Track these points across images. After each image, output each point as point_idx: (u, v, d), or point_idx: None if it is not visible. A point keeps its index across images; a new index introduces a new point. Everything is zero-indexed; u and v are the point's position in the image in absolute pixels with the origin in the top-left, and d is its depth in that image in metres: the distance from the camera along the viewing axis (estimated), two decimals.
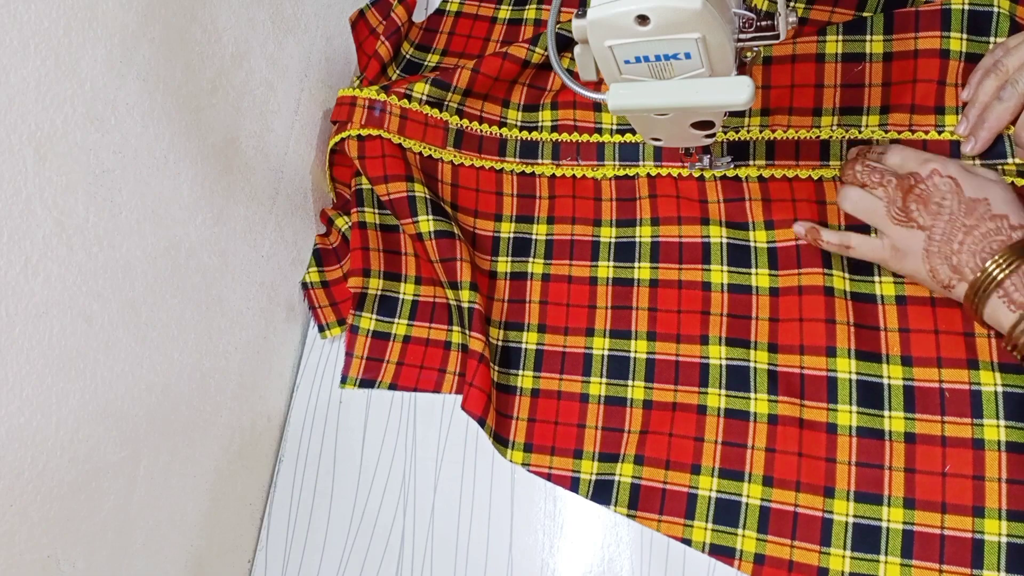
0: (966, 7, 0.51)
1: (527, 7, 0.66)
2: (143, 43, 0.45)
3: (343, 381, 0.61)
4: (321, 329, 0.63)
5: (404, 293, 0.62)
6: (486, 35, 0.67)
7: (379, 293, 0.62)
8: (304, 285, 0.64)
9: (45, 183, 0.39)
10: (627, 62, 0.37)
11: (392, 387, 0.60)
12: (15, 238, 0.37)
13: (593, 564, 0.52)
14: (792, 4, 0.57)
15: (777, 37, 0.38)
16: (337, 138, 0.62)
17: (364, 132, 0.60)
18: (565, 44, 0.61)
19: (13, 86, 0.37)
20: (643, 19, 0.34)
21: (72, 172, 0.40)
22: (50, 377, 0.40)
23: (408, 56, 0.68)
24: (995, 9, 0.50)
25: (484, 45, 0.66)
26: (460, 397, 0.57)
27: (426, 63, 0.67)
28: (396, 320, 0.61)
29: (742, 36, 0.38)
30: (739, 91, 0.36)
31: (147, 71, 0.45)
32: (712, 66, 0.36)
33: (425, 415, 0.59)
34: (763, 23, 0.38)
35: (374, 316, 0.61)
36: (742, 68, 0.41)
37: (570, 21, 0.59)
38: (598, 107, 0.61)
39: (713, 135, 0.45)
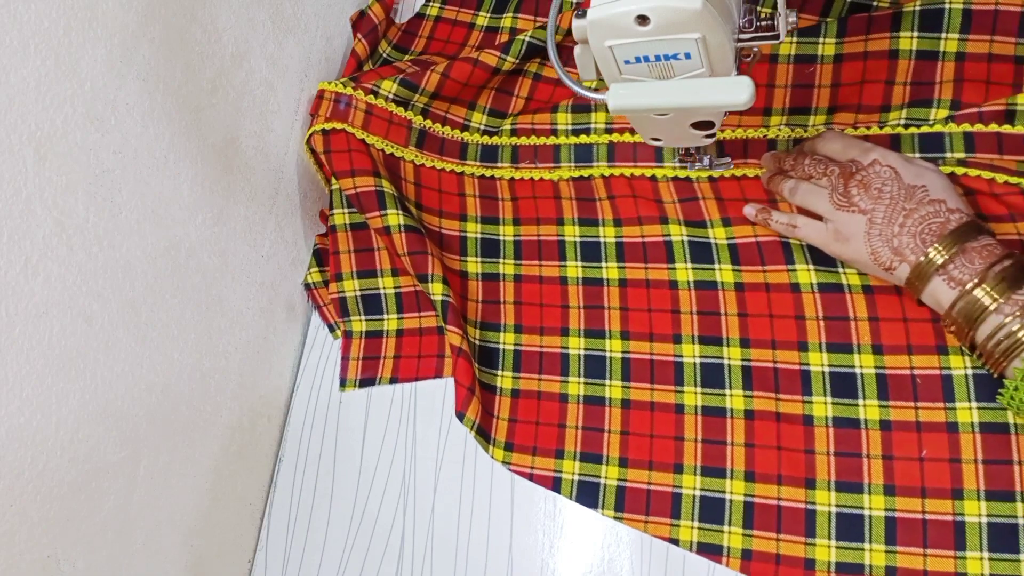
0: (917, 8, 0.51)
1: (504, 15, 0.66)
2: (143, 43, 0.45)
3: (342, 385, 0.61)
4: (331, 328, 0.63)
5: (385, 288, 0.62)
6: (463, 40, 0.67)
7: (357, 294, 0.62)
8: (307, 286, 0.64)
9: (45, 183, 0.39)
10: (627, 62, 0.37)
11: (393, 380, 0.60)
12: (15, 238, 0.37)
13: (593, 564, 0.52)
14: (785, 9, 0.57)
15: (777, 37, 0.38)
16: (308, 133, 0.61)
17: (328, 126, 0.60)
18: (535, 51, 0.61)
19: (13, 86, 0.37)
20: (643, 19, 0.34)
21: (72, 172, 0.40)
22: (50, 377, 0.40)
23: (385, 55, 0.68)
24: (946, 6, 0.51)
25: (460, 50, 0.67)
26: None
27: (404, 70, 0.67)
28: (385, 316, 0.61)
29: (742, 36, 0.38)
30: (739, 91, 0.36)
31: (147, 71, 0.45)
32: (712, 66, 0.36)
33: (425, 415, 0.59)
34: (763, 23, 0.38)
35: (363, 317, 0.62)
36: (742, 68, 0.41)
37: (541, 27, 0.60)
38: (555, 109, 0.61)
39: (713, 135, 0.45)
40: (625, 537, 0.52)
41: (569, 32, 0.63)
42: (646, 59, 0.36)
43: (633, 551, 0.51)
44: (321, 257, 0.66)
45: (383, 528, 0.57)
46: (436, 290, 0.56)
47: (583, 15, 0.36)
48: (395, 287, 0.61)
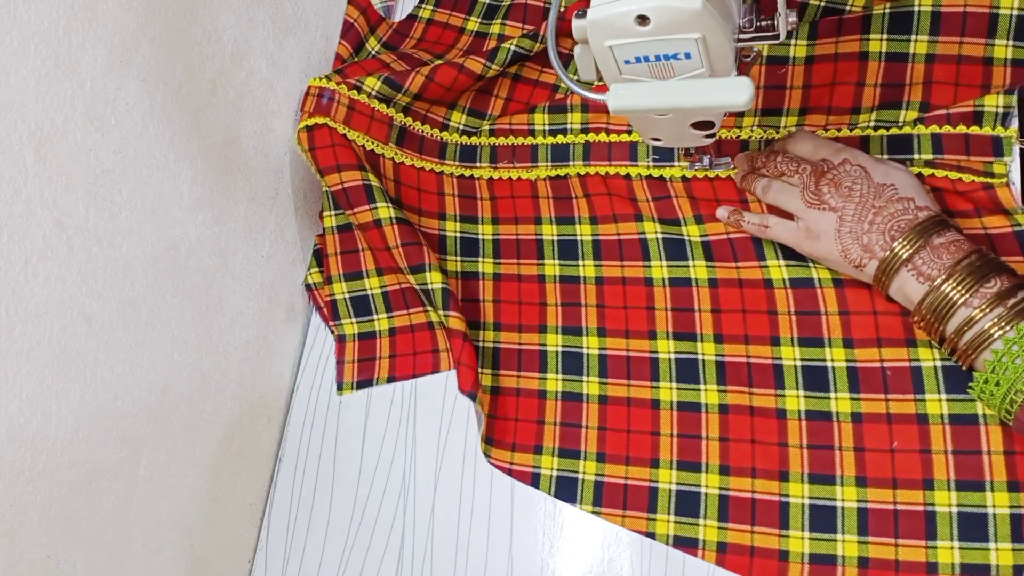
0: (887, 11, 0.52)
1: (494, 21, 0.67)
2: (143, 43, 0.45)
3: (339, 388, 0.61)
4: (332, 330, 0.63)
5: (371, 288, 0.62)
6: (452, 43, 0.67)
7: (346, 296, 0.62)
8: (307, 287, 0.64)
9: (45, 183, 0.39)
10: (627, 62, 0.37)
11: (391, 379, 0.60)
12: (15, 238, 0.37)
13: (593, 564, 0.52)
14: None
15: (777, 37, 0.38)
16: (296, 131, 0.61)
17: (311, 122, 0.60)
18: (519, 58, 0.61)
19: (13, 86, 0.37)
20: (643, 19, 0.34)
21: (72, 172, 0.40)
22: (50, 377, 0.40)
23: (373, 52, 0.68)
24: (915, 8, 0.51)
25: (447, 51, 0.67)
26: (461, 399, 0.57)
27: (390, 65, 0.67)
28: (376, 316, 0.62)
29: (742, 36, 0.38)
30: (739, 91, 0.36)
31: (147, 71, 0.45)
32: (712, 66, 0.36)
33: (425, 415, 0.59)
34: (763, 23, 0.38)
35: (354, 320, 0.62)
36: (742, 68, 0.41)
37: (526, 36, 0.61)
38: (532, 110, 0.62)
39: (713, 135, 0.45)
40: (625, 537, 0.52)
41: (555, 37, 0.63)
42: (646, 59, 0.36)
43: (633, 551, 0.51)
44: (321, 258, 0.66)
45: (383, 528, 0.57)
46: (435, 279, 0.57)
47: (583, 15, 0.36)
48: (381, 287, 0.62)
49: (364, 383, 0.61)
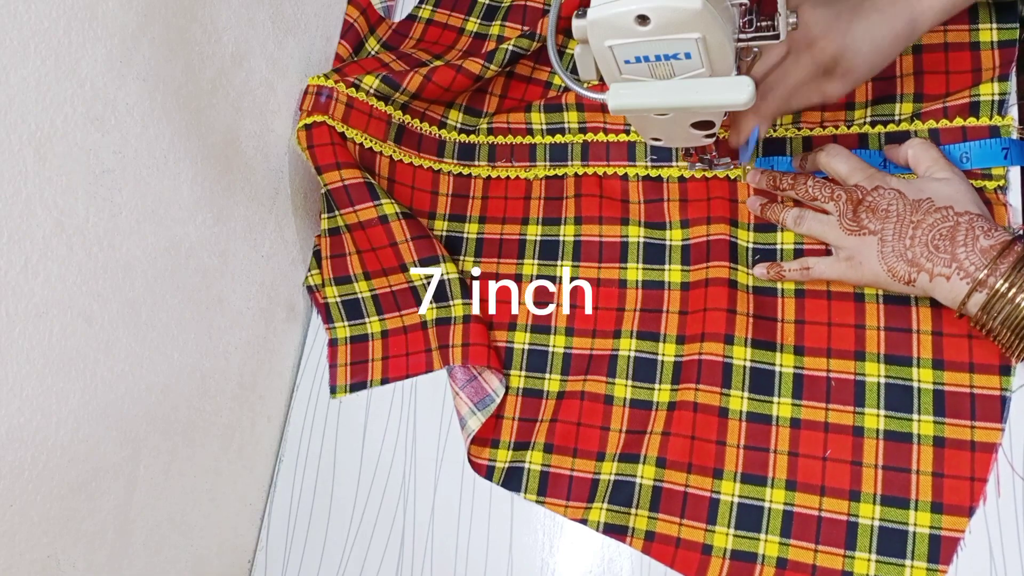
0: None
1: (493, 23, 0.67)
2: (143, 43, 0.45)
3: (332, 392, 0.61)
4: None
5: (361, 292, 0.62)
6: (451, 44, 0.67)
7: (338, 300, 0.62)
8: (309, 288, 0.64)
9: (45, 183, 0.39)
10: (627, 62, 0.37)
11: (384, 381, 0.60)
12: (15, 238, 0.37)
13: (593, 564, 0.52)
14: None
15: (777, 37, 0.38)
16: (296, 130, 0.61)
17: (310, 120, 0.59)
18: (517, 58, 0.61)
19: (13, 86, 0.37)
20: (643, 19, 0.34)
21: (72, 172, 0.41)
22: (50, 377, 0.40)
23: (373, 52, 0.68)
24: None
25: (446, 52, 0.67)
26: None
27: (388, 64, 0.67)
28: (368, 319, 0.62)
29: (742, 36, 0.38)
30: (739, 91, 0.36)
31: (147, 71, 0.45)
32: (712, 66, 0.36)
33: (425, 415, 0.59)
34: (763, 23, 0.38)
35: (346, 323, 0.62)
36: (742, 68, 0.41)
37: (524, 35, 0.61)
38: (528, 108, 0.62)
39: (713, 135, 0.45)
40: None
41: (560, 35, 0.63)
42: (646, 59, 0.36)
43: (633, 551, 0.51)
44: (320, 259, 0.65)
45: (383, 528, 0.57)
46: (450, 269, 0.58)
47: (583, 15, 0.36)
48: (370, 290, 0.62)
49: (357, 386, 0.61)
